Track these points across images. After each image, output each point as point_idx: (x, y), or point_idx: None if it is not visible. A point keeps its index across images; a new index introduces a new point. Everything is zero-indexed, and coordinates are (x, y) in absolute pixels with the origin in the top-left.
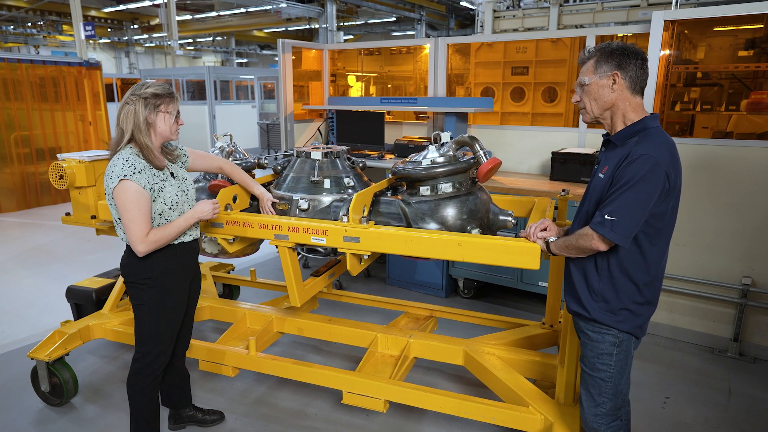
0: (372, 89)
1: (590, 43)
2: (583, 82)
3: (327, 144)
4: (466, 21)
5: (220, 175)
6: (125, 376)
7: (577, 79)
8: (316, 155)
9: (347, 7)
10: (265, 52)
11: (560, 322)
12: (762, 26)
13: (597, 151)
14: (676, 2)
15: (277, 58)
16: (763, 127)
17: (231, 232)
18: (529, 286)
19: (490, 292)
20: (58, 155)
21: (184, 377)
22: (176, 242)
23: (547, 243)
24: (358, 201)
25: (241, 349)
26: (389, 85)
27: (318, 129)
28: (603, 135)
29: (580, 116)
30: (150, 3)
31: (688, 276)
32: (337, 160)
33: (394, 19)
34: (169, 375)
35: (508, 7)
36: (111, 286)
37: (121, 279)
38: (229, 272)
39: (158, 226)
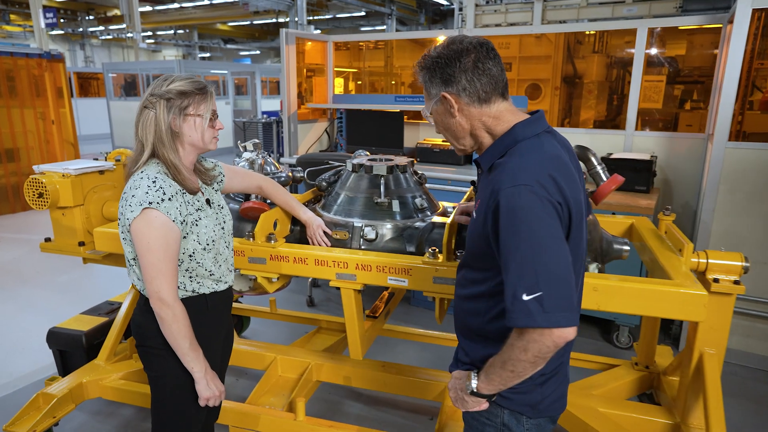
0: (351, 85)
1: (641, 39)
2: (424, 113)
3: (335, 146)
4: (436, 17)
5: (253, 195)
6: None
7: None
8: (380, 169)
9: (317, 0)
10: (229, 46)
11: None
12: None
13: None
14: None
15: (242, 53)
16: None
17: (276, 270)
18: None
19: None
20: (35, 167)
21: None
22: (208, 291)
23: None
24: (452, 232)
25: (282, 411)
26: (359, 81)
27: (325, 130)
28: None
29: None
30: None
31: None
32: (403, 175)
33: (363, 13)
34: None
35: (487, 2)
36: (104, 328)
37: (118, 320)
38: (237, 300)
39: (186, 270)
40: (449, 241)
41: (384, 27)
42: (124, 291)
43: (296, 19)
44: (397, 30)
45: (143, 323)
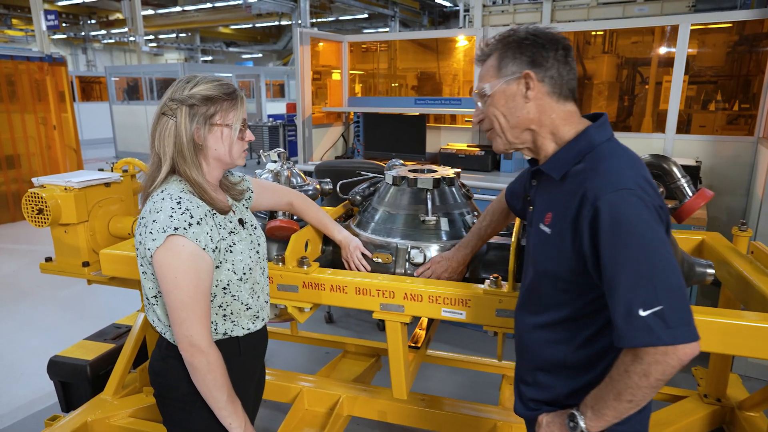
0: (357, 88)
1: (684, 36)
2: (483, 90)
3: (352, 152)
4: (439, 18)
5: (280, 213)
6: None
7: (474, 87)
8: (426, 182)
9: (320, 2)
10: (231, 49)
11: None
12: None
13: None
14: None
15: (244, 56)
16: None
17: (310, 299)
18: None
19: None
20: (35, 179)
21: None
22: (242, 334)
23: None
24: (518, 255)
25: None
26: (360, 84)
27: (342, 135)
28: (528, 162)
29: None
30: None
31: None
32: (450, 188)
33: (366, 15)
34: None
35: (494, 2)
36: (111, 356)
37: (127, 347)
38: None
39: (220, 306)
40: (516, 267)
41: (387, 29)
42: (133, 310)
43: (299, 21)
44: (400, 31)
45: (164, 371)
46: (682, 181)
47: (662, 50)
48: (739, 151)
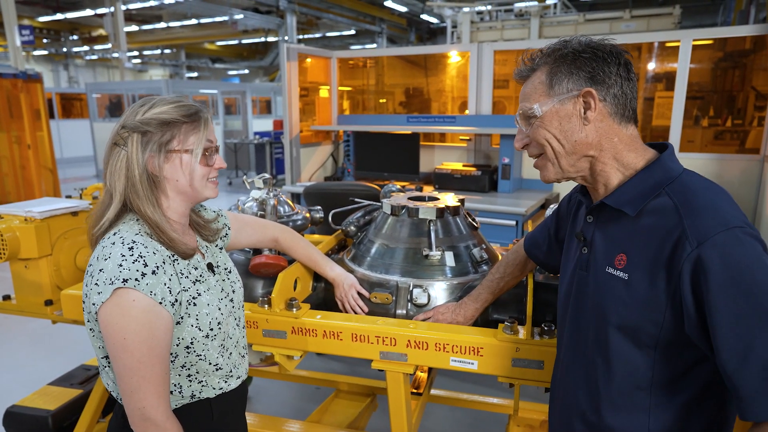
0: (345, 104)
1: (685, 52)
2: (530, 112)
3: (342, 172)
4: (427, 35)
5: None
6: None
7: (518, 108)
8: (428, 213)
9: (307, 19)
10: (217, 65)
11: None
12: None
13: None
14: None
15: (230, 72)
16: None
17: (299, 346)
18: None
19: None
20: None
21: None
22: (213, 395)
23: None
24: (535, 294)
25: None
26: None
27: (331, 154)
28: (578, 192)
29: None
30: (92, 12)
31: None
32: (455, 218)
33: (353, 32)
34: None
35: (482, 19)
36: (77, 404)
37: (95, 394)
38: None
39: (183, 366)
40: (534, 310)
41: (374, 45)
42: None
43: (285, 37)
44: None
45: None
46: None
47: (650, 66)
48: (747, 169)
